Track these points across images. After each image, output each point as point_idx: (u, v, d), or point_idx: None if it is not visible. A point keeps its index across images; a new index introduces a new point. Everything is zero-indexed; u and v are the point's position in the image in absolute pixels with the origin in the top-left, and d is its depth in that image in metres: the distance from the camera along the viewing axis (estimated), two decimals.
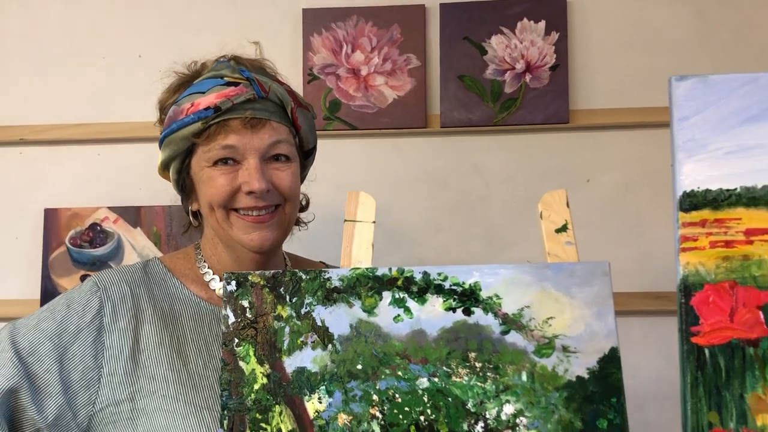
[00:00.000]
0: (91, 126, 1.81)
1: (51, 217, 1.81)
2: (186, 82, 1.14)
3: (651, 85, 1.72)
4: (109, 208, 1.80)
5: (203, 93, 1.08)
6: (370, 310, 0.86)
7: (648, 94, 1.71)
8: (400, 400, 0.83)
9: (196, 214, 1.17)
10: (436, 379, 0.84)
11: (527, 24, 1.72)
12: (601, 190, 1.73)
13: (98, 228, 1.80)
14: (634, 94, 1.72)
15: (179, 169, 1.14)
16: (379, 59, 1.75)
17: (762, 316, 0.76)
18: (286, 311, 0.86)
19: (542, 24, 1.72)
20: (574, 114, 1.72)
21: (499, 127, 1.72)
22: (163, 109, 1.17)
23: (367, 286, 0.87)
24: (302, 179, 1.21)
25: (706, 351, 0.76)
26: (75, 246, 1.80)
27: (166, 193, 1.51)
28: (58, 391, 1.01)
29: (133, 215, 1.80)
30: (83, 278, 1.78)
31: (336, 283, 0.87)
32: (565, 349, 0.85)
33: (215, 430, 1.01)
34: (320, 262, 1.31)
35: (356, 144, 1.77)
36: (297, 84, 1.76)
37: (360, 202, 0.90)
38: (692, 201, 0.79)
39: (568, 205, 0.91)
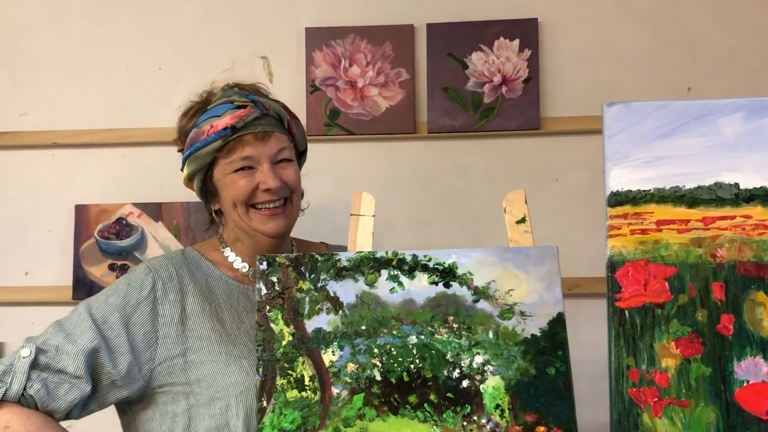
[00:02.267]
0: (116, 131, 2.01)
1: (81, 212, 2.02)
2: (200, 109, 1.38)
3: (612, 95, 1.90)
4: (134, 204, 2.01)
5: (219, 116, 1.32)
6: (371, 284, 1.11)
7: None
8: (395, 352, 1.08)
9: (218, 213, 1.41)
10: (422, 337, 1.09)
11: (503, 42, 1.96)
12: (568, 188, 1.96)
13: (124, 222, 2.01)
14: (597, 103, 1.92)
15: (203, 178, 1.38)
16: (374, 72, 1.98)
17: (667, 285, 1.01)
18: (306, 285, 1.11)
19: (516, 42, 1.96)
20: (545, 121, 1.95)
21: (479, 133, 1.96)
22: (183, 132, 1.40)
23: (369, 265, 1.12)
24: None
25: (626, 312, 1.01)
26: (103, 238, 2.01)
27: (185, 191, 1.72)
28: (127, 351, 1.25)
29: (155, 210, 2.02)
30: (111, 267, 2.00)
31: (345, 263, 1.12)
32: (522, 313, 1.09)
33: (250, 373, 1.25)
34: (321, 242, 1.55)
35: (353, 147, 2.00)
36: (300, 94, 1.98)
37: (362, 199, 1.15)
38: (617, 199, 1.03)
39: (526, 202, 1.15)
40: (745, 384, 0.97)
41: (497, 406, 1.06)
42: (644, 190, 1.03)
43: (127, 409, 1.32)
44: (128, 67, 2.04)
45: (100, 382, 1.24)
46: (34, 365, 1.20)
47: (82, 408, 1.24)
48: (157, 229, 2.02)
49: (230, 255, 1.40)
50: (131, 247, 2.01)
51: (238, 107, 1.32)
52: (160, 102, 2.00)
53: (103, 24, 2.05)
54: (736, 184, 1.01)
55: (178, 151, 1.43)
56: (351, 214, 1.15)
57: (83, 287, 1.99)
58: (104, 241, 2.01)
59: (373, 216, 1.14)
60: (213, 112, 1.34)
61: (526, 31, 1.95)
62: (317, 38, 1.99)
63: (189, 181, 1.41)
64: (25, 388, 1.18)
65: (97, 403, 1.26)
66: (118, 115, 2.03)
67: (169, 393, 1.28)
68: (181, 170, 1.41)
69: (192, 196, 1.79)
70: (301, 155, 1.45)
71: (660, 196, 1.02)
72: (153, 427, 1.28)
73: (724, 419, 0.97)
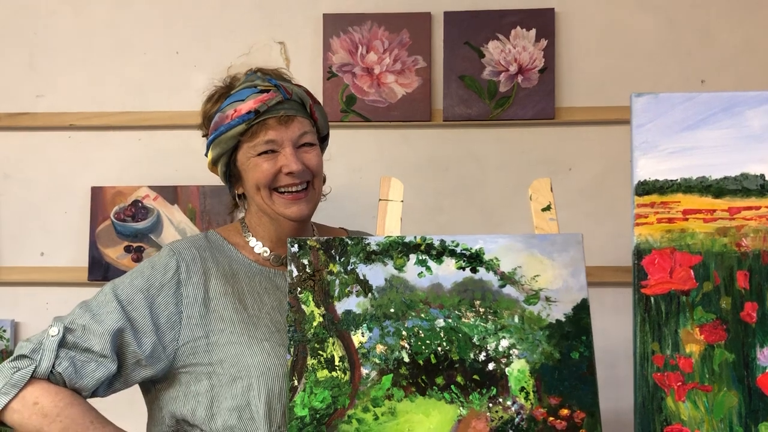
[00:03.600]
0: (133, 114, 2.02)
1: (97, 194, 2.03)
2: (224, 94, 1.39)
3: (626, 86, 1.95)
4: (150, 186, 2.02)
5: (243, 100, 1.34)
6: (400, 268, 1.13)
7: (623, 94, 1.90)
8: (422, 335, 1.10)
9: (241, 197, 1.43)
10: (450, 320, 1.11)
11: (520, 31, 1.97)
12: (581, 177, 1.98)
13: (140, 204, 2.03)
14: (611, 94, 1.97)
15: (227, 162, 1.39)
16: (390, 60, 1.99)
17: (692, 273, 1.03)
18: (336, 268, 1.14)
19: (533, 32, 1.97)
20: (560, 111, 1.97)
21: (494, 122, 1.97)
22: (207, 117, 1.41)
23: (397, 250, 1.14)
24: None
25: (652, 299, 1.03)
26: (119, 220, 2.02)
27: (201, 175, 1.73)
28: (152, 331, 1.28)
29: (170, 193, 2.03)
30: (127, 249, 2.02)
31: (374, 247, 1.14)
32: (547, 299, 1.12)
33: (271, 355, 1.28)
34: (341, 228, 1.57)
35: (369, 134, 2.01)
36: (317, 80, 1.99)
37: (391, 185, 1.17)
38: (644, 188, 1.05)
39: (551, 190, 1.17)
40: (767, 370, 0.99)
41: (522, 388, 1.09)
42: (671, 180, 1.05)
43: (151, 388, 1.35)
44: (146, 50, 2.05)
45: (125, 362, 1.27)
46: (62, 344, 1.23)
47: (108, 386, 1.27)
48: (173, 212, 2.03)
49: (251, 240, 1.42)
50: (147, 230, 2.02)
51: (262, 91, 1.34)
52: (177, 86, 2.02)
53: (121, 7, 2.05)
54: (762, 176, 1.03)
55: (203, 136, 1.44)
56: (380, 199, 1.16)
57: (99, 269, 2.00)
58: (120, 223, 2.02)
59: (401, 201, 1.16)
60: (236, 97, 1.35)
61: (542, 21, 1.96)
62: (335, 24, 2.00)
63: (213, 165, 1.42)
64: (53, 366, 1.21)
65: (122, 382, 1.28)
66: (135, 98, 2.04)
67: (192, 373, 1.30)
68: (206, 155, 1.43)
69: (208, 179, 1.82)
70: (323, 140, 1.47)
71: (687, 186, 1.04)
72: (176, 406, 1.31)
73: (747, 404, 0.99)
